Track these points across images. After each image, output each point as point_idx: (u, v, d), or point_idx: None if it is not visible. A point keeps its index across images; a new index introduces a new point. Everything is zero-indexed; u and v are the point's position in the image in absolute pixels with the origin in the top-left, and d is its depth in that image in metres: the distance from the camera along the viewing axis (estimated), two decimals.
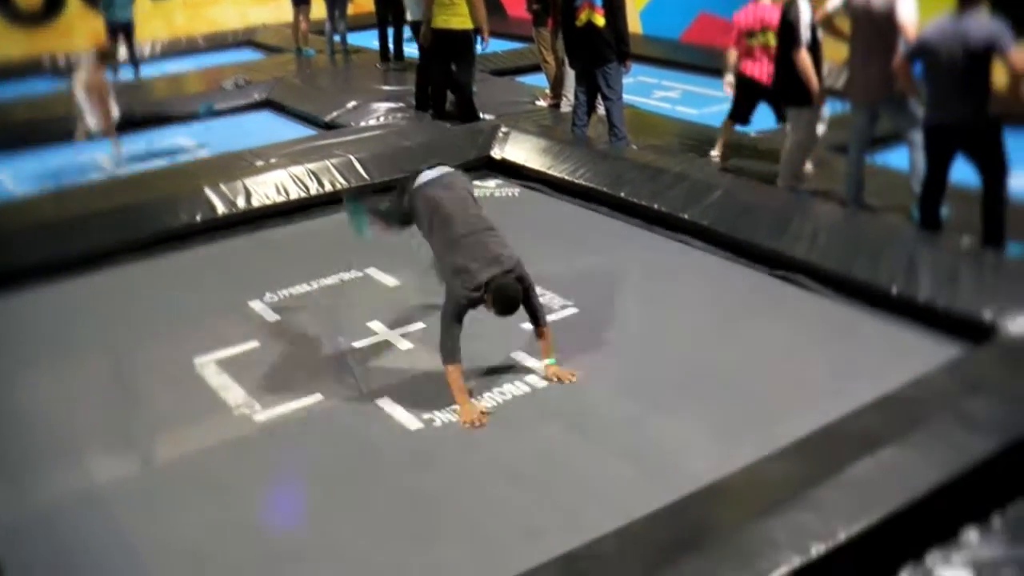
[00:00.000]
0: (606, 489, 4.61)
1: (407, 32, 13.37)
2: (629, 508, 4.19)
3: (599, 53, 9.04)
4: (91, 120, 10.28)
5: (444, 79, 10.62)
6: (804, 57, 7.74)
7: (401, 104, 11.35)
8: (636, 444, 4.98)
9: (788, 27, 7.83)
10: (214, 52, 17.25)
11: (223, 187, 8.32)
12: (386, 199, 6.36)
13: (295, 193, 8.52)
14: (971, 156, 6.70)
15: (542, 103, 11.53)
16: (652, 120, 10.92)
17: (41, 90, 14.12)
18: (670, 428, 5.10)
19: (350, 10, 15.38)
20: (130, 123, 11.18)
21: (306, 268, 7.26)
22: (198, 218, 8.05)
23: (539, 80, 12.40)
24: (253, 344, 6.19)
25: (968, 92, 6.50)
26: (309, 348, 6.15)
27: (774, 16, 8.61)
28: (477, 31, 10.32)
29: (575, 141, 9.24)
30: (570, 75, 10.27)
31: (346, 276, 7.13)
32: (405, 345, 6.08)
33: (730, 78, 9.16)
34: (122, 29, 14.90)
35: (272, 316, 6.56)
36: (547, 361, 5.55)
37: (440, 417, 5.26)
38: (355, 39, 15.65)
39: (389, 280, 7.04)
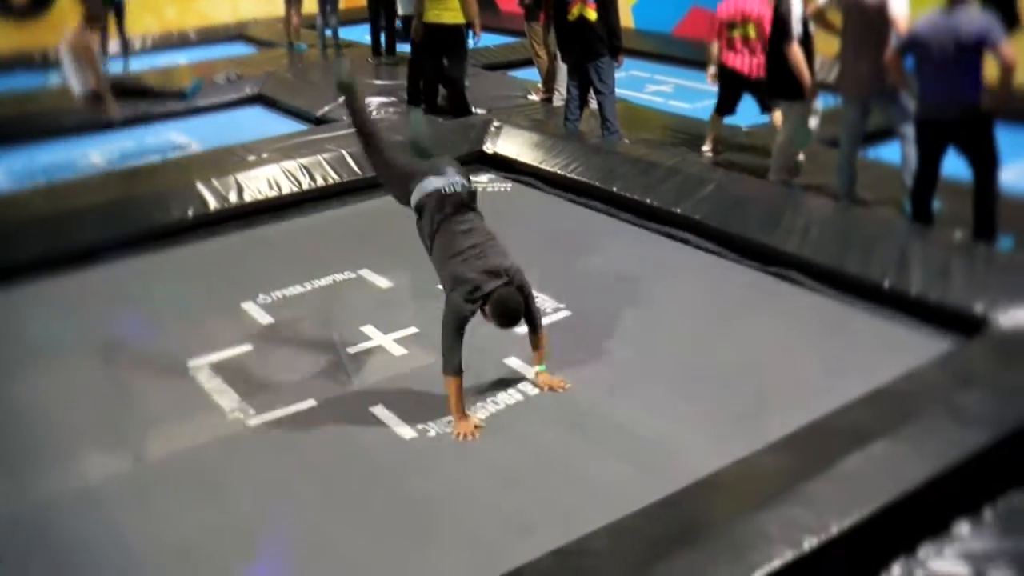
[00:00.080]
0: (601, 489, 4.61)
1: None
2: (625, 507, 4.18)
3: (591, 47, 9.04)
4: (75, 83, 10.08)
5: (436, 74, 10.61)
6: (796, 51, 7.75)
7: (393, 99, 11.33)
8: (631, 444, 4.98)
9: (780, 21, 7.84)
10: (205, 46, 17.19)
11: (215, 182, 8.30)
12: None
13: (287, 188, 8.51)
14: (962, 150, 6.72)
15: (534, 97, 11.52)
16: (644, 114, 10.92)
17: (31, 84, 14.06)
18: (665, 427, 5.10)
19: (341, 4, 15.36)
20: (121, 92, 11.00)
21: (299, 268, 7.24)
22: (190, 213, 8.03)
23: (531, 74, 12.39)
24: (246, 347, 6.17)
25: (959, 86, 6.51)
26: (302, 352, 6.13)
27: (755, 8, 8.65)
28: (469, 25, 10.31)
29: (567, 135, 9.24)
30: (562, 69, 10.25)
31: (339, 277, 7.11)
32: (399, 350, 6.06)
33: (713, 70, 9.23)
34: (113, 6, 14.87)
35: (265, 318, 6.55)
36: (538, 369, 5.51)
37: (434, 424, 5.23)
38: (346, 33, 15.62)
39: (382, 281, 7.03)
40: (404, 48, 12.49)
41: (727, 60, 8.97)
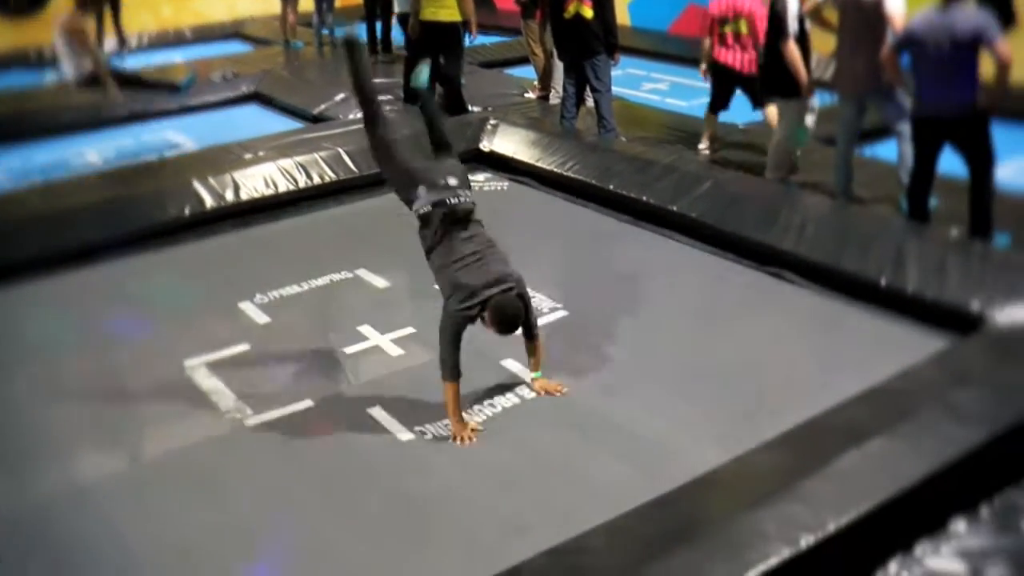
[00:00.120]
0: (599, 489, 4.61)
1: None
2: (622, 507, 4.18)
3: (587, 45, 9.03)
4: (68, 67, 9.98)
5: (432, 72, 10.58)
6: (792, 49, 7.75)
7: (389, 96, 11.29)
8: (628, 444, 4.98)
9: (776, 18, 7.84)
10: (201, 44, 17.17)
11: (211, 181, 8.30)
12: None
13: (284, 186, 8.50)
14: (958, 147, 6.72)
15: (531, 95, 11.52)
16: (641, 112, 10.91)
17: (27, 82, 14.03)
18: (661, 427, 5.10)
19: (338, 2, 15.34)
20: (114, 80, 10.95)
21: (296, 268, 7.24)
22: (186, 212, 8.03)
23: (528, 72, 12.38)
24: (243, 347, 6.17)
25: (955, 83, 6.52)
26: (300, 352, 6.13)
27: (746, 4, 8.67)
28: (465, 23, 10.30)
29: (564, 133, 9.24)
30: (558, 67, 10.26)
31: (336, 277, 7.11)
32: (396, 351, 6.06)
33: (705, 66, 9.23)
34: (109, 0, 14.86)
35: (262, 318, 6.54)
36: (535, 375, 5.49)
37: (430, 423, 5.23)
38: (342, 31, 15.58)
39: (379, 281, 7.02)
40: (400, 45, 12.47)
41: (719, 56, 9.00)
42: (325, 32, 15.06)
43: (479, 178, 8.93)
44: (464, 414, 5.18)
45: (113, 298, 6.92)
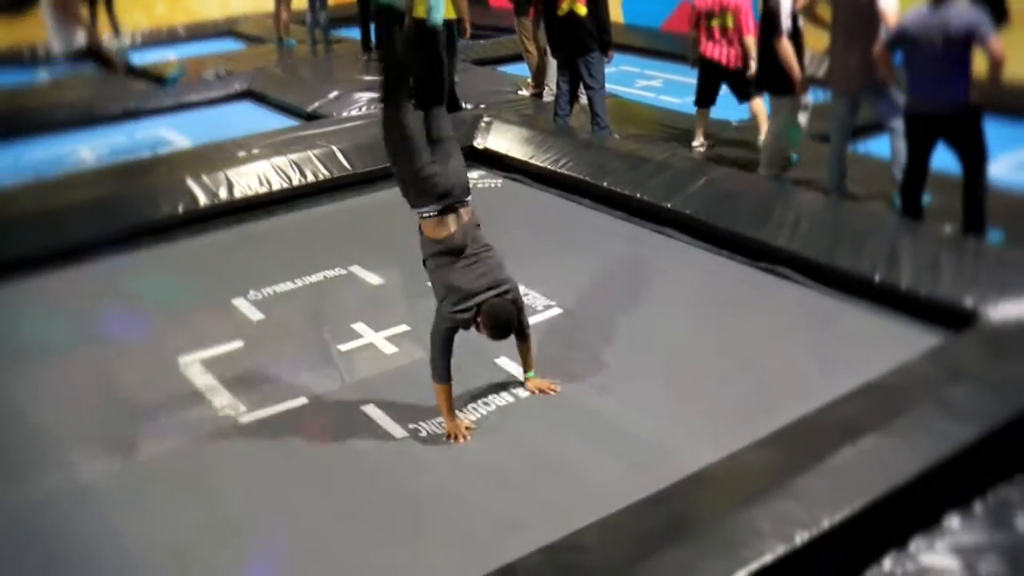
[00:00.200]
0: (592, 487, 4.61)
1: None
2: (615, 504, 4.18)
3: (581, 42, 9.03)
4: (57, 42, 9.90)
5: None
6: (785, 45, 7.77)
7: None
8: (622, 441, 4.98)
9: (769, 15, 7.86)
10: (195, 42, 17.14)
11: (205, 178, 8.29)
12: None
13: (278, 184, 8.50)
14: (951, 144, 6.73)
15: (524, 92, 11.52)
16: (634, 109, 10.92)
17: (20, 80, 14.00)
18: (655, 424, 5.10)
19: (331, 0, 15.31)
20: (102, 60, 10.92)
21: (290, 264, 7.23)
22: (180, 210, 8.02)
23: (521, 69, 12.38)
24: (237, 344, 6.16)
25: (948, 80, 6.52)
26: (294, 349, 6.12)
27: None
28: (459, 21, 10.29)
29: (557, 131, 9.24)
30: (552, 64, 10.26)
31: (330, 273, 7.11)
32: (390, 348, 6.05)
33: (692, 59, 9.27)
34: None
35: (256, 315, 6.54)
36: (528, 375, 5.49)
37: (423, 419, 5.24)
38: (336, 29, 15.58)
39: (373, 278, 7.02)
40: None
41: (706, 50, 9.02)
42: (318, 30, 15.03)
43: (473, 175, 8.89)
44: (458, 412, 5.18)
45: (107, 295, 6.91)
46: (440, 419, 5.15)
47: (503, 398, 5.43)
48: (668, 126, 10.02)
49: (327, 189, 8.70)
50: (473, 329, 5.02)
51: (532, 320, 5.82)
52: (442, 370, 5.01)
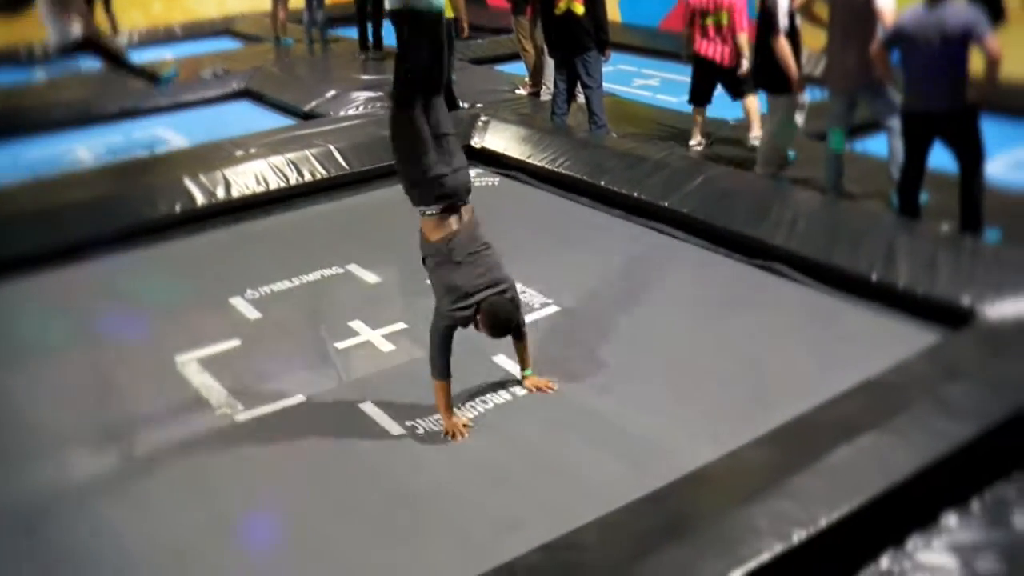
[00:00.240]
0: (590, 485, 4.61)
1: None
2: (613, 502, 4.19)
3: (578, 41, 9.03)
4: (52, 33, 9.83)
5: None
6: (783, 44, 7.77)
7: (380, 93, 11.28)
8: (619, 440, 4.98)
9: (766, 14, 7.86)
10: (192, 41, 17.13)
11: (202, 178, 8.28)
12: None
13: (275, 183, 8.49)
14: (948, 143, 6.73)
15: (522, 91, 11.51)
16: (632, 108, 10.92)
17: (17, 79, 13.99)
18: (652, 423, 5.10)
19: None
20: (98, 49, 10.90)
21: (287, 263, 7.23)
22: (177, 209, 8.02)
23: (519, 68, 12.37)
24: (235, 343, 6.16)
25: (945, 79, 6.53)
26: (291, 348, 6.13)
27: None
28: (456, 20, 10.29)
29: (555, 129, 9.24)
30: (549, 63, 10.25)
31: (327, 272, 7.11)
32: (387, 346, 6.05)
33: (686, 55, 9.28)
34: None
35: (253, 313, 6.54)
36: (525, 373, 5.49)
37: (421, 416, 5.24)
38: (333, 28, 15.57)
39: (370, 277, 7.02)
40: (391, 42, 12.44)
41: (700, 48, 9.03)
42: (315, 29, 15.02)
43: (470, 174, 8.91)
44: (456, 410, 5.18)
45: (104, 295, 6.91)
46: (437, 416, 5.16)
47: (501, 396, 5.43)
48: (665, 125, 10.02)
49: (324, 188, 8.70)
50: (472, 327, 5.02)
51: (529, 318, 5.82)
52: (441, 367, 5.01)
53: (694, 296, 6.49)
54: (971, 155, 6.67)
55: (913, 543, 4.05)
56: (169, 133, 11.26)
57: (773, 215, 6.85)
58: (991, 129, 6.89)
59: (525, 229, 7.57)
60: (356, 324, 6.29)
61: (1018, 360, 4.98)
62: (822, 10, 7.80)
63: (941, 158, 6.90)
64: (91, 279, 7.18)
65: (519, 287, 5.30)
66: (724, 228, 7.05)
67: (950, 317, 5.66)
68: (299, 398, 5.52)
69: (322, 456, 5.00)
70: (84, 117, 11.66)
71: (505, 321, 4.99)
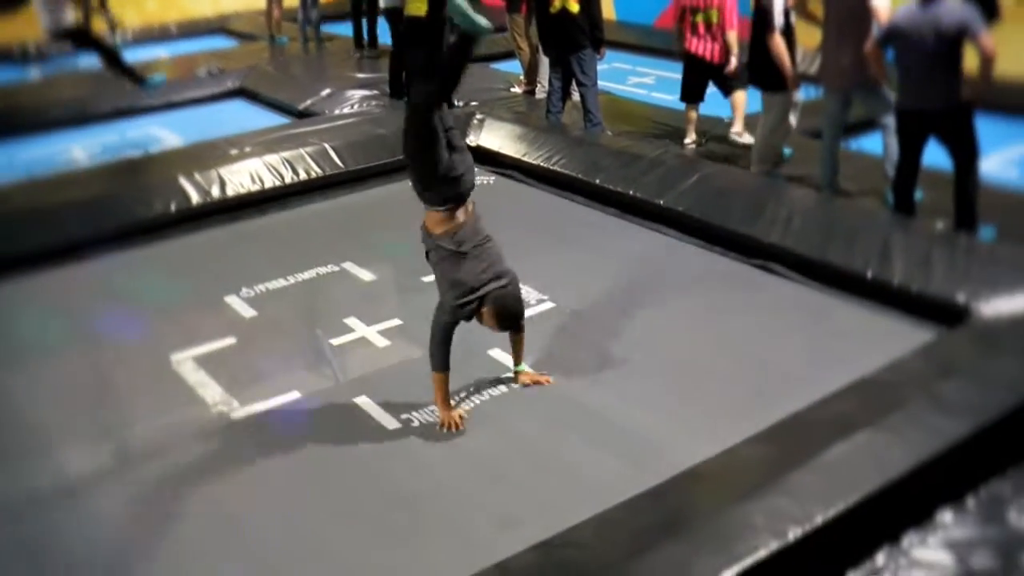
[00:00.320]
0: (586, 482, 4.61)
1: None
2: (609, 499, 4.19)
3: (573, 39, 9.03)
4: (44, 20, 9.80)
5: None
6: (778, 42, 7.77)
7: (375, 92, 11.31)
8: (614, 435, 4.99)
9: (762, 12, 7.87)
10: (186, 39, 17.12)
11: (197, 176, 8.28)
12: None
13: (270, 182, 8.49)
14: (943, 140, 6.74)
15: (517, 90, 11.51)
16: (627, 106, 10.93)
17: (11, 78, 13.97)
18: (648, 419, 5.11)
19: None
20: (88, 40, 10.90)
21: (282, 262, 7.23)
22: (172, 208, 8.01)
23: (513, 67, 12.38)
24: (230, 340, 6.16)
25: (939, 77, 6.53)
26: (286, 345, 6.13)
27: None
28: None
29: (550, 128, 9.24)
30: (544, 61, 10.25)
31: (322, 270, 7.11)
32: (382, 342, 6.06)
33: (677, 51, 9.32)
34: None
35: (249, 312, 6.54)
36: (518, 368, 5.49)
37: (418, 416, 5.24)
38: (328, 27, 15.57)
39: (365, 274, 7.02)
40: (386, 41, 12.45)
41: (690, 46, 9.05)
42: (309, 27, 15.02)
43: None
44: (451, 403, 5.19)
45: (100, 294, 6.90)
46: (434, 410, 5.18)
47: (497, 391, 5.45)
48: (660, 123, 10.03)
49: (319, 187, 8.70)
50: (474, 320, 5.03)
51: (526, 315, 5.80)
52: (440, 361, 5.03)
53: (690, 293, 6.49)
54: (965, 153, 6.68)
55: (909, 540, 4.06)
56: (164, 132, 11.26)
57: (768, 213, 6.86)
58: (986, 127, 6.90)
59: (521, 227, 7.57)
60: (352, 321, 6.29)
61: (1013, 357, 4.99)
62: (817, 8, 7.82)
63: (936, 156, 6.91)
64: (87, 278, 7.17)
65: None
66: (719, 226, 7.05)
67: (945, 314, 5.67)
68: (294, 394, 5.53)
69: (318, 453, 5.00)
70: (79, 116, 11.66)
71: (512, 313, 5.02)
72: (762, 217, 6.85)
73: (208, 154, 8.84)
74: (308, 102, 11.18)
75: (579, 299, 6.44)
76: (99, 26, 14.81)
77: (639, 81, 12.72)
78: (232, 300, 6.69)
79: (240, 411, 5.40)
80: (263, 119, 11.20)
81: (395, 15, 10.85)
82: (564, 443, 4.97)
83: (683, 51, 9.15)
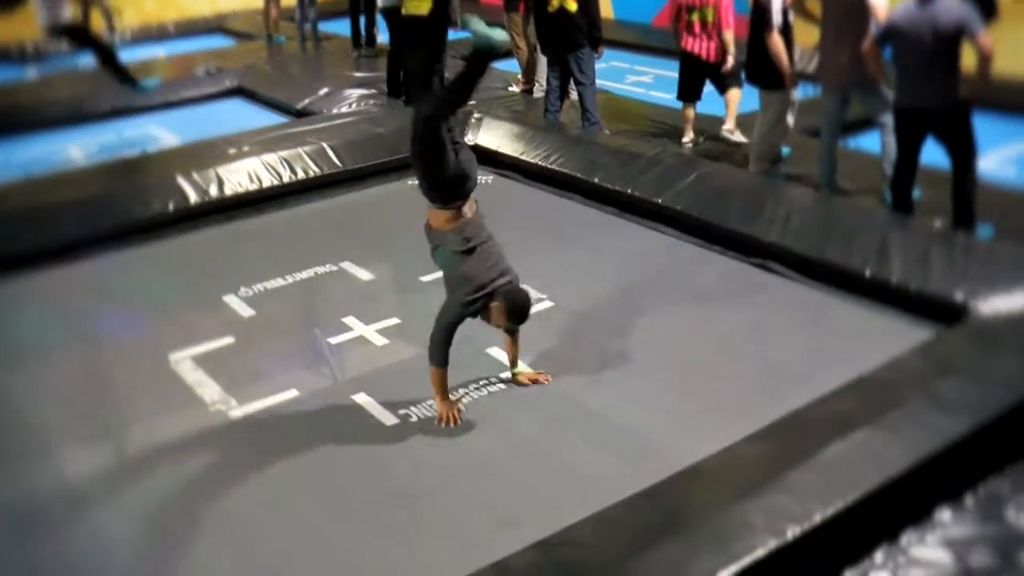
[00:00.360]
0: (583, 480, 4.62)
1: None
2: (608, 498, 4.19)
3: (571, 38, 9.04)
4: (42, 15, 9.82)
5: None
6: (776, 40, 7.78)
7: (373, 91, 11.30)
8: (613, 434, 4.99)
9: (760, 10, 7.87)
10: (184, 39, 17.12)
11: (195, 176, 8.28)
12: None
13: (268, 181, 8.49)
14: (940, 139, 6.74)
15: (515, 89, 11.52)
16: (625, 105, 10.93)
17: (8, 77, 13.96)
18: (647, 418, 5.11)
19: None
20: (83, 38, 10.91)
21: (280, 261, 7.22)
22: (170, 207, 8.00)
23: (511, 66, 12.37)
24: (228, 340, 6.16)
25: (937, 75, 6.54)
26: (284, 344, 6.13)
27: None
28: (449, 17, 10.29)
29: (548, 127, 9.24)
30: (542, 60, 10.25)
31: (320, 269, 7.10)
32: (380, 341, 6.06)
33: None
34: None
35: (247, 311, 6.53)
36: (515, 370, 5.48)
37: (416, 412, 5.24)
38: (326, 26, 15.55)
39: (363, 274, 7.01)
40: (384, 40, 12.46)
41: (686, 45, 9.05)
42: (307, 27, 15.01)
43: None
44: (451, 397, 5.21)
45: (98, 293, 6.89)
46: (430, 401, 5.20)
47: (496, 389, 5.45)
48: (659, 122, 10.03)
49: (317, 186, 8.69)
50: (474, 319, 5.03)
51: None
52: (441, 358, 5.02)
53: (688, 292, 6.49)
54: (963, 151, 6.68)
55: (907, 538, 4.06)
56: (161, 131, 11.25)
57: (767, 212, 6.86)
58: (983, 125, 6.91)
59: (519, 226, 7.56)
60: (350, 320, 6.29)
61: (1011, 355, 4.99)
62: (815, 6, 7.82)
63: (934, 154, 6.91)
64: (85, 278, 7.16)
65: None
66: (718, 225, 7.05)
67: (943, 313, 5.67)
68: (293, 392, 5.53)
69: (316, 451, 5.00)
70: (76, 116, 11.65)
71: (522, 308, 5.00)
72: (760, 216, 6.85)
73: (206, 153, 8.84)
74: (306, 101, 11.18)
75: (577, 298, 6.44)
76: (98, 24, 14.82)
77: (637, 80, 12.72)
78: (230, 299, 6.68)
79: (238, 410, 5.40)
80: (261, 118, 11.19)
81: (393, 14, 10.84)
82: (562, 441, 4.97)
83: (679, 50, 9.16)
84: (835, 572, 3.92)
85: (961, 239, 6.23)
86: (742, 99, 9.18)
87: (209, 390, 5.61)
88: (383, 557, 4.24)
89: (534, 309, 6.14)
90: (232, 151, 8.78)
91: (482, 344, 5.74)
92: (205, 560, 4.29)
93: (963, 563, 3.92)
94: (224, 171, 8.40)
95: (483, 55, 4.80)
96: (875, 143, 7.72)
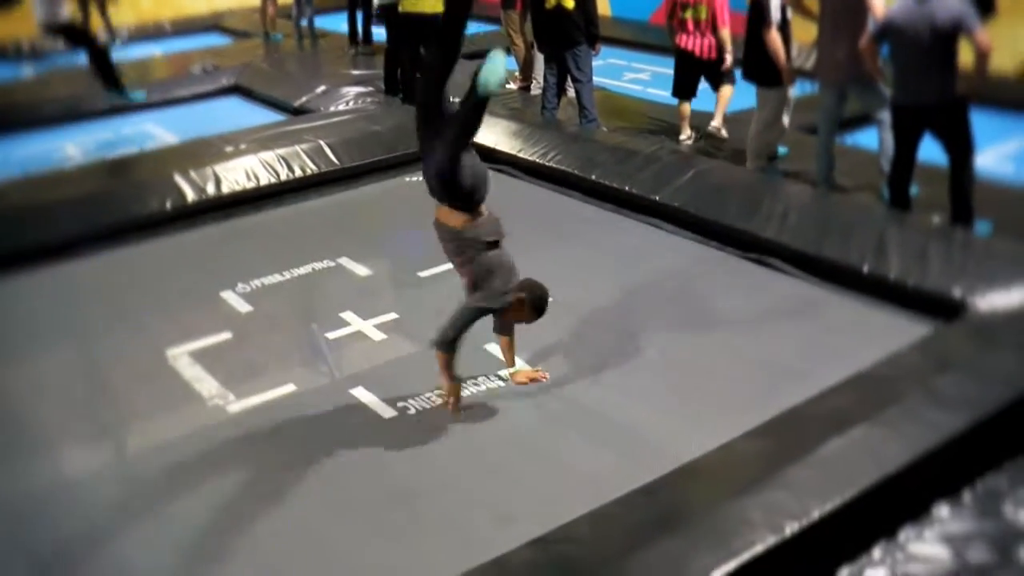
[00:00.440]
0: (582, 477, 4.61)
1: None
2: (606, 495, 4.19)
3: (568, 36, 9.03)
4: (40, 12, 9.79)
5: (413, 63, 10.56)
6: (774, 37, 7.78)
7: (370, 88, 11.28)
8: (611, 431, 4.99)
9: (758, 7, 7.87)
10: (181, 37, 17.09)
11: (193, 174, 8.27)
12: None
13: (265, 179, 8.48)
14: (938, 135, 6.74)
15: (512, 86, 11.51)
16: (622, 102, 10.92)
17: (5, 76, 13.94)
18: (645, 415, 5.10)
19: None
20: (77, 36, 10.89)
21: (277, 257, 7.22)
22: (168, 205, 7.99)
23: (508, 63, 12.35)
24: (226, 335, 6.15)
25: (934, 72, 6.54)
26: (282, 339, 6.13)
27: None
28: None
29: (545, 124, 9.24)
30: (539, 58, 10.25)
31: (318, 266, 7.10)
32: (378, 336, 6.06)
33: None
34: None
35: (245, 307, 6.53)
36: (512, 371, 5.48)
37: (414, 406, 5.24)
38: (322, 23, 15.55)
39: (361, 270, 7.01)
40: (381, 37, 12.42)
41: (680, 41, 9.07)
42: (304, 24, 15.00)
43: None
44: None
45: (95, 290, 6.89)
46: (429, 395, 5.20)
47: (494, 385, 5.45)
48: (656, 119, 10.03)
49: (315, 184, 8.68)
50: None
51: None
52: (453, 343, 4.97)
53: (685, 289, 6.49)
54: (961, 148, 6.68)
55: (905, 534, 4.06)
56: (158, 129, 11.23)
57: (764, 208, 6.86)
58: (981, 122, 6.91)
59: (516, 223, 7.46)
60: (347, 315, 6.29)
61: (1009, 351, 4.99)
62: (813, 3, 7.82)
63: (931, 150, 6.92)
64: (82, 275, 7.15)
65: None
66: (715, 221, 7.05)
67: (941, 309, 5.68)
68: (290, 387, 5.53)
69: (314, 447, 4.99)
70: (73, 113, 11.62)
71: (544, 303, 5.03)
72: (758, 212, 6.85)
73: (203, 151, 8.83)
74: (303, 99, 11.16)
75: (574, 295, 6.42)
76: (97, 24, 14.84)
77: (634, 77, 12.71)
78: (228, 295, 6.68)
79: (236, 405, 5.40)
80: (258, 116, 11.17)
81: (390, 11, 10.81)
82: (559, 437, 4.97)
83: (674, 47, 9.16)
84: (833, 568, 3.92)
85: (959, 235, 6.23)
86: (736, 96, 9.18)
87: (207, 385, 5.61)
88: (381, 553, 4.24)
89: None
90: (229, 149, 8.77)
91: (480, 341, 5.73)
92: (204, 556, 4.28)
93: (961, 559, 3.92)
94: (221, 169, 8.39)
95: (484, 99, 4.99)
96: (873, 139, 7.72)
